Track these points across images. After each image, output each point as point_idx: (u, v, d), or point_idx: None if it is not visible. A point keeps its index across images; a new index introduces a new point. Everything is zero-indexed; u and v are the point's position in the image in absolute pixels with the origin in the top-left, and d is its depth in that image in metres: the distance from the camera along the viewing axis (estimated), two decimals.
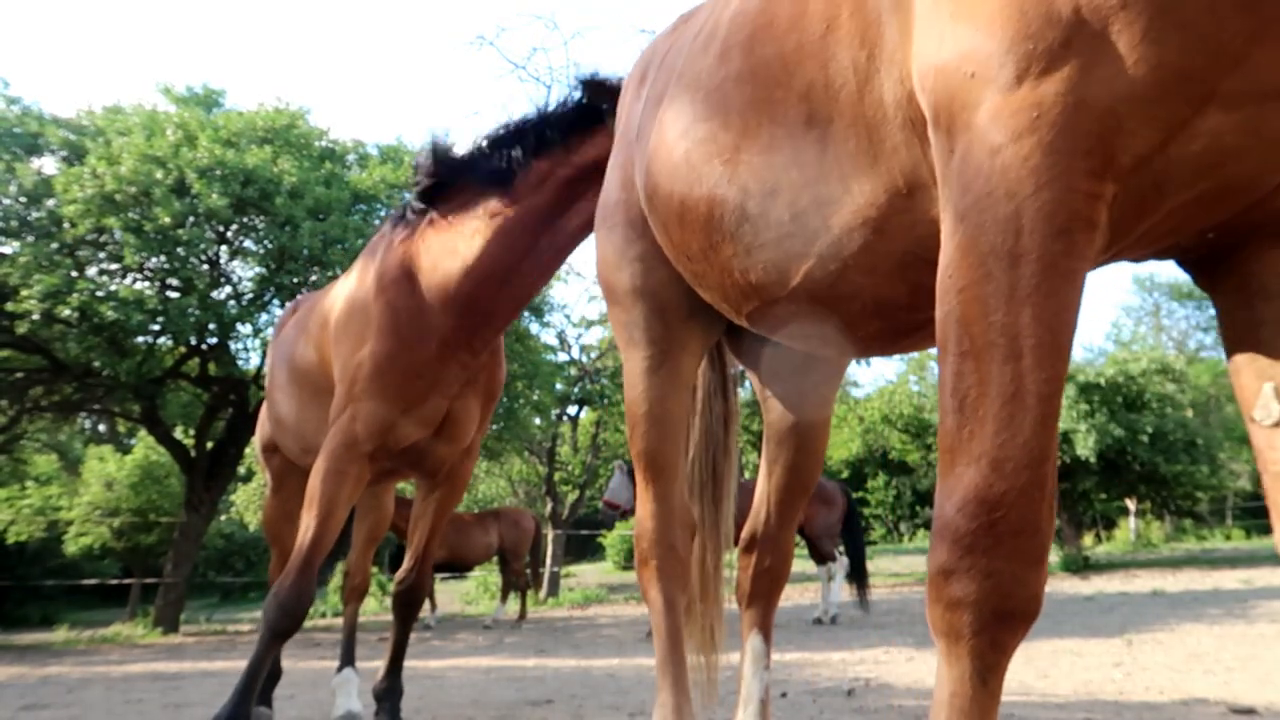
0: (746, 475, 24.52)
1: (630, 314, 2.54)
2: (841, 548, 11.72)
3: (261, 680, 3.68)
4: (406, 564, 4.39)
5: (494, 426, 16.27)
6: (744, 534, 2.88)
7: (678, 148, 2.00)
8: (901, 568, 22.44)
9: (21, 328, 11.85)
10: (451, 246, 3.72)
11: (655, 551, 2.55)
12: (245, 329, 13.78)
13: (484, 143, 3.72)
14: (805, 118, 1.61)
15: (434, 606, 13.97)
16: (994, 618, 1.17)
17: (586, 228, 3.57)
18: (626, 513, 11.47)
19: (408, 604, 4.39)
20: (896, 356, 26.16)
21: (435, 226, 3.82)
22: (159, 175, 12.18)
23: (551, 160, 3.54)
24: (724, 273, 1.98)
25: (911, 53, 1.37)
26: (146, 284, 13.17)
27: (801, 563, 13.41)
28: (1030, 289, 1.14)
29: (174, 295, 13.04)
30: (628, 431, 2.62)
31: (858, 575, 10.95)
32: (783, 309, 1.92)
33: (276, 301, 13.93)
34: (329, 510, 3.71)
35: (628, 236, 2.51)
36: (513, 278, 3.67)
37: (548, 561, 20.28)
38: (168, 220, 11.98)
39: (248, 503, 24.16)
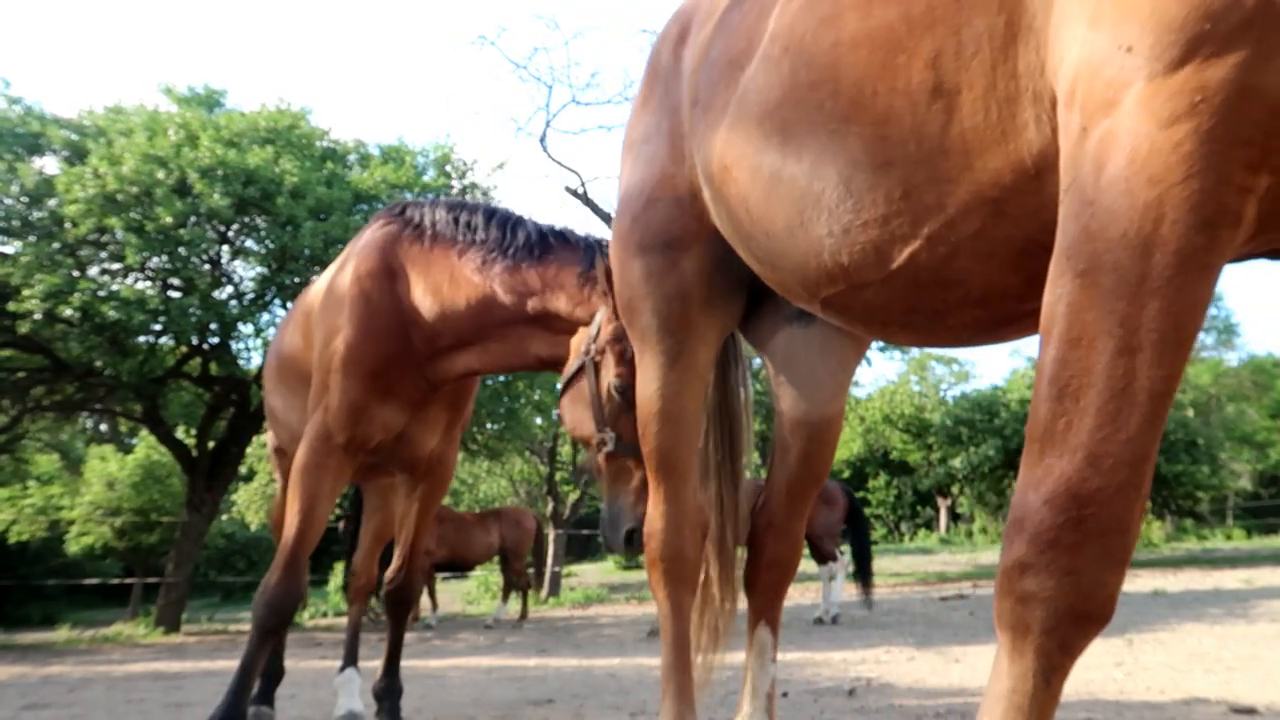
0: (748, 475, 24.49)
1: (649, 302, 2.44)
2: (844, 547, 11.71)
3: (255, 679, 3.67)
4: (395, 563, 4.39)
5: (495, 426, 16.28)
6: (753, 524, 2.80)
7: (773, 116, 1.83)
8: (902, 568, 22.42)
9: (23, 327, 11.86)
10: (437, 274, 3.78)
11: (665, 553, 2.48)
12: (247, 329, 13.79)
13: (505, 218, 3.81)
14: (930, 88, 1.48)
15: (435, 606, 13.99)
16: (1068, 617, 1.13)
17: (541, 364, 3.70)
18: None
19: (399, 603, 4.40)
20: (899, 356, 26.15)
21: (423, 244, 3.86)
22: (161, 175, 12.19)
23: (540, 279, 3.59)
24: (810, 253, 1.83)
25: (1054, 22, 1.28)
26: (148, 284, 13.18)
27: (803, 562, 13.37)
28: (1162, 281, 1.07)
29: (175, 295, 13.05)
30: (639, 429, 2.54)
31: (864, 574, 10.93)
32: (873, 294, 1.78)
33: (278, 301, 13.95)
34: (310, 504, 3.70)
35: (670, 215, 2.37)
36: (474, 343, 3.74)
37: (549, 561, 20.28)
38: (169, 220, 11.99)
39: (249, 502, 24.20)
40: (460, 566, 14.92)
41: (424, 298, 3.76)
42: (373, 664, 4.94)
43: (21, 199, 12.61)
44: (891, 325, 1.90)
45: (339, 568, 20.78)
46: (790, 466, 2.71)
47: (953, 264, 1.59)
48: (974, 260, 1.56)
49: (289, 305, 13.60)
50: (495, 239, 3.70)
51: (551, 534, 20.75)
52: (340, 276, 4.03)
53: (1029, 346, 49.93)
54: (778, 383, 2.73)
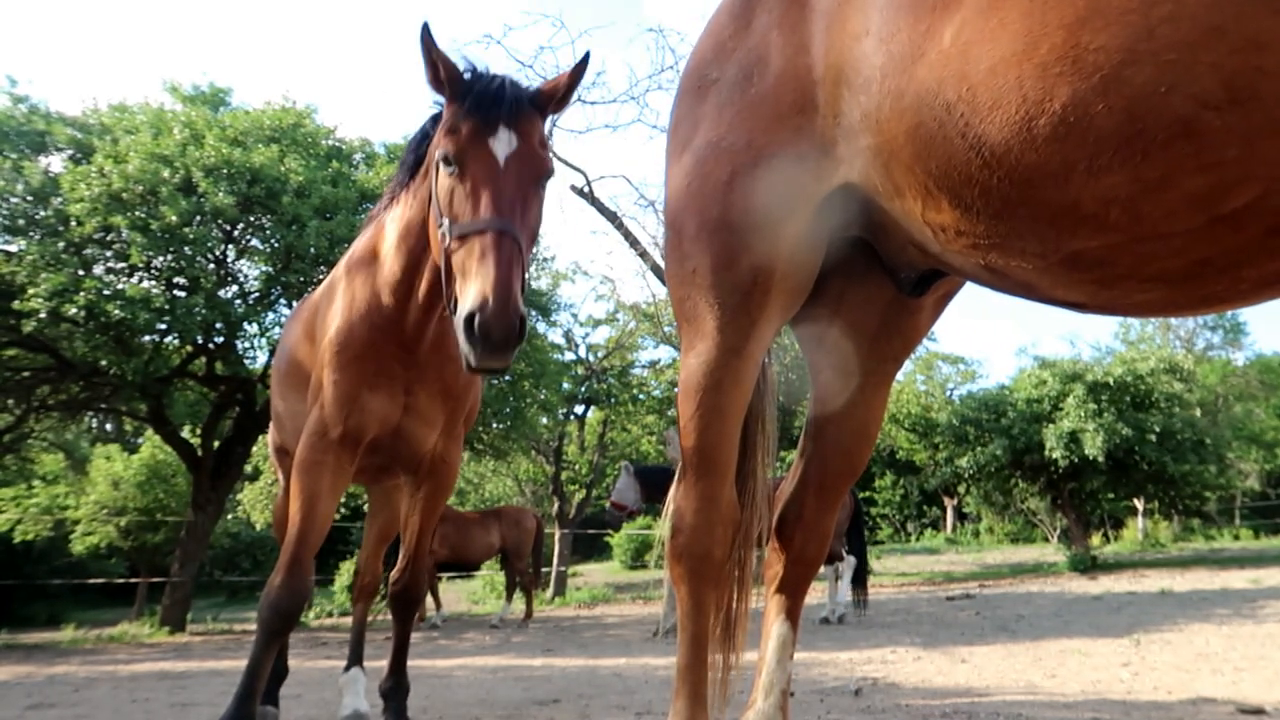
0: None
1: (724, 277, 2.15)
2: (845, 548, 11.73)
3: (263, 681, 3.62)
4: (400, 563, 4.34)
5: (501, 426, 16.27)
6: (780, 516, 2.61)
7: (1075, 32, 1.41)
8: (908, 567, 22.41)
9: (28, 326, 11.86)
10: (390, 228, 3.74)
11: (692, 551, 2.33)
12: (252, 328, 13.80)
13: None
14: None
15: (439, 605, 14.00)
16: None
17: None
18: (633, 513, 11.46)
19: (404, 604, 4.37)
20: None
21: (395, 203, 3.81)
22: (165, 174, 12.20)
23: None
24: (1081, 199, 1.47)
25: None
26: (153, 283, 13.18)
27: None
28: None
29: (180, 294, 13.06)
30: (680, 421, 2.34)
31: (860, 578, 10.95)
32: (1160, 246, 1.46)
33: (283, 300, 13.96)
34: (311, 503, 3.65)
35: (790, 171, 2.02)
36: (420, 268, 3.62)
37: (554, 561, 20.29)
38: (174, 219, 12.00)
39: (254, 502, 24.22)
40: (462, 566, 14.93)
41: (386, 257, 3.72)
42: (378, 664, 4.93)
43: (26, 197, 12.63)
44: (1155, 283, 1.57)
45: (345, 567, 20.82)
46: (825, 460, 2.55)
47: None
48: None
49: (294, 304, 13.61)
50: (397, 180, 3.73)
51: (557, 534, 20.76)
52: (336, 270, 4.07)
53: (1033, 346, 49.81)
54: (819, 370, 2.54)
